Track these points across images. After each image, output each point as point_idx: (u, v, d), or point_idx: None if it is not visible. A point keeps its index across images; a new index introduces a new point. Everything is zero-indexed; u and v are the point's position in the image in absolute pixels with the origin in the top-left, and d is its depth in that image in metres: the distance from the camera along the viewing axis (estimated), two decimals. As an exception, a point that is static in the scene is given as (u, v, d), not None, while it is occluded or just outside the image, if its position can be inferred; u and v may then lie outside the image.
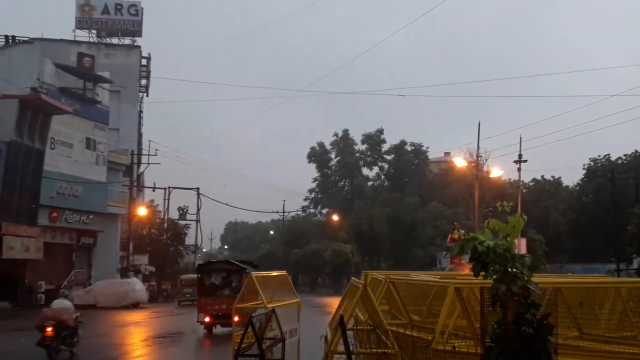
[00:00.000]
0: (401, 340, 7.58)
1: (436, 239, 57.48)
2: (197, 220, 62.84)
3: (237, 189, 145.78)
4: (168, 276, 57.38)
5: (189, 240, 64.75)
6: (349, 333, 6.69)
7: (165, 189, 61.44)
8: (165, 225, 60.96)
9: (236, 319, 11.42)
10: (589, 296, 7.24)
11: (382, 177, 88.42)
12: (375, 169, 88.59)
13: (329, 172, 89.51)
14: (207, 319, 22.79)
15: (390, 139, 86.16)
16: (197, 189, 62.39)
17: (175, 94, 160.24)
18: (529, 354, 3.91)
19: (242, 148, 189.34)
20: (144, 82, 60.45)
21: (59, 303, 15.55)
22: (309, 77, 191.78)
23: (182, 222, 63.20)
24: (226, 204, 68.85)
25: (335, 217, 72.97)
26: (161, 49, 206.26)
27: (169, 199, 61.93)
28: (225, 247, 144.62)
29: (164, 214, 62.85)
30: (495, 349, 4.03)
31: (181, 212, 64.58)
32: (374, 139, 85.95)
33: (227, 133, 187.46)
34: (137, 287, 41.69)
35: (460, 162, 47.71)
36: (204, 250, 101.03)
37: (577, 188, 66.18)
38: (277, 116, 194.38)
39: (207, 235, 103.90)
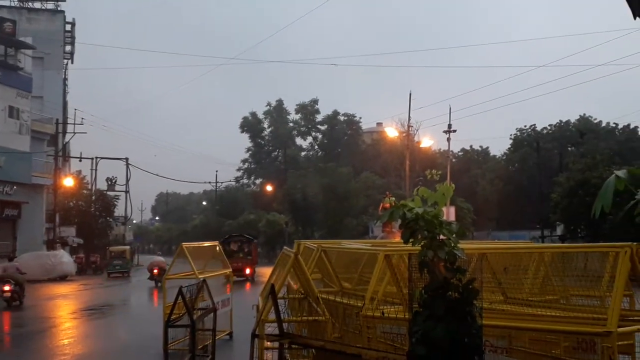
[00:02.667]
0: (333, 307, 7.66)
1: (369, 208, 58.31)
2: (127, 192, 61.62)
3: (168, 159, 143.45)
4: (97, 248, 56.39)
5: (119, 211, 63.56)
6: (281, 302, 6.69)
7: (92, 159, 59.99)
8: (93, 196, 59.44)
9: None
10: (513, 262, 7.43)
11: (316, 147, 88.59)
12: (309, 139, 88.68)
13: (262, 142, 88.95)
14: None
15: (324, 109, 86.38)
16: (126, 159, 61.16)
17: (102, 61, 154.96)
18: (455, 318, 3.99)
19: (172, 117, 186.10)
20: (68, 48, 58.22)
21: None
22: (240, 46, 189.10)
23: (110, 194, 61.71)
24: (156, 175, 68.01)
25: (269, 188, 72.83)
26: (87, 14, 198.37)
27: (96, 170, 60.59)
28: (157, 218, 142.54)
29: (92, 185, 61.26)
30: (422, 313, 4.10)
31: (109, 183, 63.01)
32: (308, 109, 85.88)
33: (157, 102, 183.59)
34: (65, 259, 40.77)
35: (391, 132, 48.32)
36: (134, 221, 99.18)
37: (504, 157, 68.26)
38: (209, 85, 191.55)
39: (138, 207, 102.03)
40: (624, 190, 4.93)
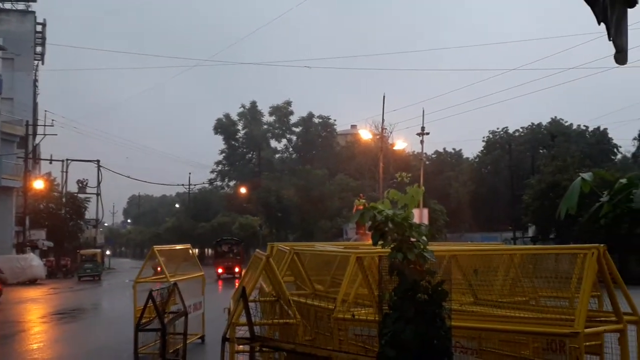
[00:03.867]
0: (305, 310, 7.63)
1: (343, 210, 58.33)
2: (98, 194, 60.85)
3: (141, 161, 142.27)
4: (67, 251, 55.64)
5: (90, 214, 62.72)
6: (254, 305, 6.65)
7: (63, 161, 59.20)
8: (64, 199, 58.60)
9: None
10: (484, 263, 7.48)
11: (290, 149, 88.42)
12: (284, 141, 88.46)
13: (236, 144, 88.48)
14: (220, 270, 41.53)
15: (299, 112, 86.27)
16: (98, 161, 60.46)
17: (74, 62, 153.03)
18: (424, 320, 4.00)
19: (145, 119, 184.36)
20: (39, 49, 57.35)
21: None
22: (214, 47, 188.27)
23: (81, 196, 60.90)
24: (128, 177, 67.27)
25: (242, 190, 72.43)
26: (58, 15, 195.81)
27: (67, 172, 59.72)
28: (129, 220, 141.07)
29: (62, 188, 60.44)
30: (392, 315, 4.10)
31: (80, 185, 62.25)
32: (282, 111, 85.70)
33: (129, 103, 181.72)
34: (34, 262, 40.23)
35: (365, 134, 48.42)
36: (105, 224, 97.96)
37: (477, 160, 68.88)
38: (182, 87, 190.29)
39: (109, 209, 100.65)
40: (591, 192, 5.00)
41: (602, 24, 3.10)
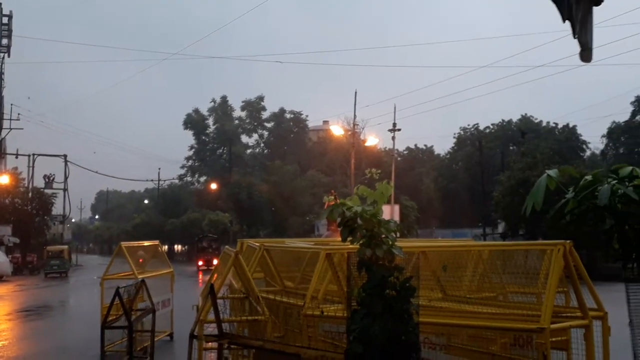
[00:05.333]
0: (274, 306, 7.59)
1: (314, 206, 58.35)
2: (65, 189, 59.97)
3: (109, 156, 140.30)
4: (34, 248, 54.71)
5: (57, 210, 61.80)
6: (223, 302, 6.59)
7: (29, 155, 58.21)
8: (30, 194, 57.59)
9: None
10: (453, 259, 7.52)
11: (262, 145, 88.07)
12: (255, 137, 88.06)
13: (207, 140, 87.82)
14: (200, 262, 48.76)
15: (270, 107, 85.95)
16: (65, 156, 59.54)
17: (41, 55, 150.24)
18: (392, 316, 4.00)
19: (114, 114, 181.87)
20: (5, 41, 56.14)
21: None
22: (184, 41, 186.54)
23: (48, 191, 59.94)
24: (96, 172, 66.33)
25: (213, 186, 71.94)
26: (24, 6, 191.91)
27: (33, 167, 58.79)
28: (97, 217, 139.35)
29: (29, 183, 59.40)
30: (360, 311, 4.09)
31: (47, 180, 61.22)
32: (254, 106, 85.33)
33: (97, 98, 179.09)
34: (0, 259, 39.41)
35: (337, 130, 48.39)
36: (72, 220, 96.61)
37: (448, 156, 69.45)
38: (151, 81, 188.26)
39: (77, 205, 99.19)
40: (559, 189, 5.05)
41: (567, 21, 3.11)
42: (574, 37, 3.20)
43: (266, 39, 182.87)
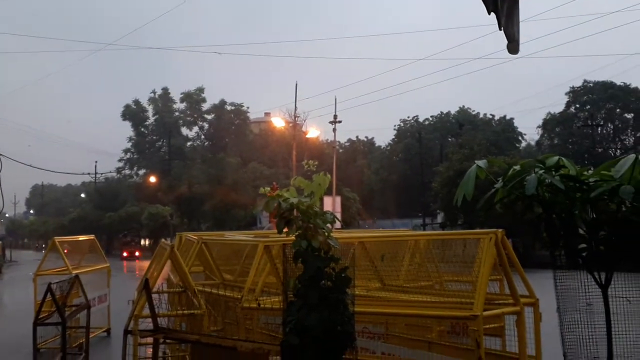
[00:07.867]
0: (213, 300, 7.52)
1: (257, 199, 57.93)
2: (-2, 183, 57.70)
3: (44, 149, 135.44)
4: (-36, 244, 52.52)
5: (-11, 204, 59.40)
6: (160, 296, 6.48)
7: (-42, 148, 55.62)
8: (-40, 188, 55.19)
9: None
10: (391, 249, 7.60)
11: (202, 137, 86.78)
12: (195, 129, 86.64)
13: (146, 132, 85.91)
14: (125, 254, 58.12)
15: (211, 99, 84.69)
16: (-3, 148, 57.19)
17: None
18: (328, 306, 4.00)
19: (48, 105, 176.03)
20: None
21: None
22: (119, 31, 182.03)
23: (-21, 186, 57.56)
24: (30, 165, 63.92)
25: (152, 179, 70.52)
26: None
27: (-37, 160, 56.12)
28: (32, 211, 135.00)
29: (-42, 177, 56.89)
30: (296, 303, 4.09)
31: (-22, 174, 58.82)
32: (194, 98, 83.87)
33: (31, 89, 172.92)
34: None
35: (278, 122, 48.22)
36: (6, 215, 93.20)
37: (389, 148, 70.18)
38: (87, 72, 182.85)
39: (10, 199, 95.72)
40: (489, 179, 5.16)
41: (492, 13, 3.15)
42: (500, 29, 3.24)
43: (206, 29, 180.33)
